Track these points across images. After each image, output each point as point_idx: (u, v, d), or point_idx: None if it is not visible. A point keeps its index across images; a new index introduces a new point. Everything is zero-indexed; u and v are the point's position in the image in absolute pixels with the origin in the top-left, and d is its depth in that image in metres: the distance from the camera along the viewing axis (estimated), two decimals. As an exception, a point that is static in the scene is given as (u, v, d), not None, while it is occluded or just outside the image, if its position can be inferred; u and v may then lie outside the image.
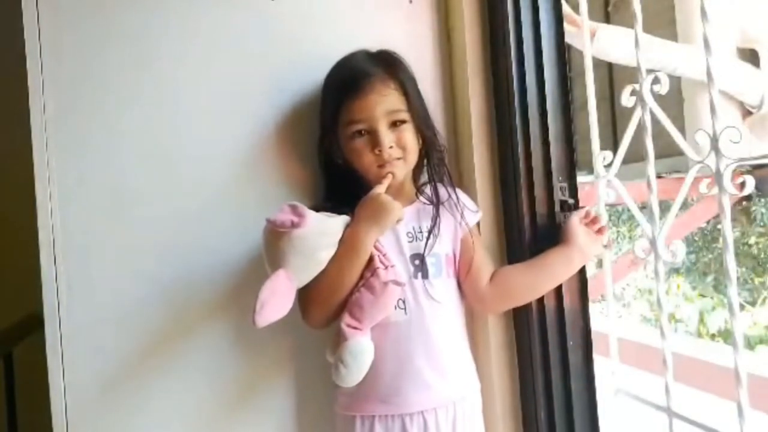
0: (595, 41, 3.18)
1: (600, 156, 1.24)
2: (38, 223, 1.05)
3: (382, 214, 1.01)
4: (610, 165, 1.22)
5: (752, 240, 5.63)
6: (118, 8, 1.10)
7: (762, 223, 5.31)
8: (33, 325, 1.49)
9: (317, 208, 1.04)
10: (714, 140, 0.98)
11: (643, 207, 1.16)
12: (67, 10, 1.08)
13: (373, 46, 1.13)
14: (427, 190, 1.12)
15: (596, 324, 1.19)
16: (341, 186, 1.11)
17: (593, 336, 1.16)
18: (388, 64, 1.08)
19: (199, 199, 1.12)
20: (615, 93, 4.00)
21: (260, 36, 1.17)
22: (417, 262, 1.06)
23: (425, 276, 1.06)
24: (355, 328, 0.99)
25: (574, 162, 1.18)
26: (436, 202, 1.09)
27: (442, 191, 1.11)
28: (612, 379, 1.26)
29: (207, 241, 1.12)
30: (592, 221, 1.13)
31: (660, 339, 1.12)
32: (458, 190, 1.14)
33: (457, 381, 1.07)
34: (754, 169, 3.41)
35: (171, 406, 1.11)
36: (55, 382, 1.05)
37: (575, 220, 1.12)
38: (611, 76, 4.06)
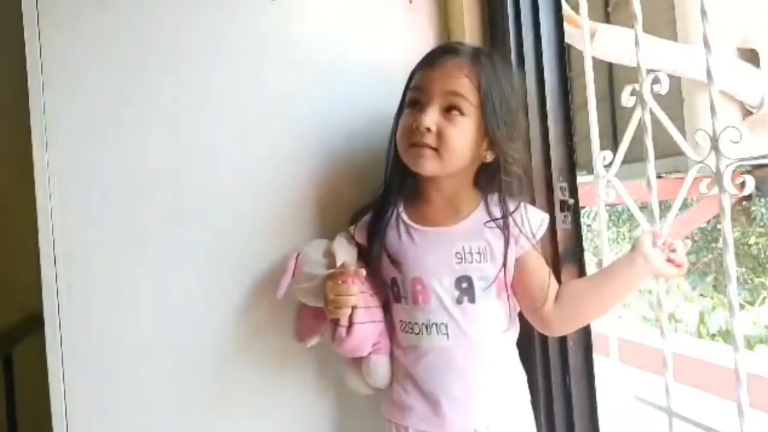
0: (595, 41, 3.18)
1: (600, 156, 1.24)
2: (38, 223, 1.05)
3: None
4: (610, 165, 1.22)
5: (752, 240, 5.64)
6: (118, 8, 1.10)
7: (762, 223, 5.31)
8: (33, 325, 1.49)
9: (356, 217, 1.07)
10: (714, 140, 0.98)
11: (643, 207, 1.16)
12: (67, 10, 1.08)
13: (373, 46, 1.13)
14: (492, 206, 1.01)
15: (596, 324, 1.18)
16: (399, 179, 1.05)
17: (593, 336, 1.16)
18: (474, 55, 0.99)
19: (201, 198, 1.12)
20: (615, 93, 4.01)
21: (259, 37, 1.16)
22: (464, 285, 0.99)
23: (471, 300, 0.99)
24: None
25: (574, 162, 1.18)
26: (506, 222, 0.99)
27: (500, 207, 1.01)
28: (612, 380, 1.26)
29: (207, 241, 1.12)
30: (664, 245, 1.02)
31: (660, 339, 1.12)
32: (527, 206, 1.03)
33: (495, 405, 1.00)
34: (754, 169, 3.41)
35: (172, 406, 1.10)
36: (55, 382, 1.04)
37: (646, 237, 1.02)
38: (611, 76, 4.07)
